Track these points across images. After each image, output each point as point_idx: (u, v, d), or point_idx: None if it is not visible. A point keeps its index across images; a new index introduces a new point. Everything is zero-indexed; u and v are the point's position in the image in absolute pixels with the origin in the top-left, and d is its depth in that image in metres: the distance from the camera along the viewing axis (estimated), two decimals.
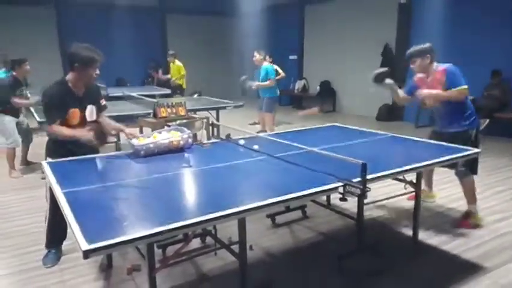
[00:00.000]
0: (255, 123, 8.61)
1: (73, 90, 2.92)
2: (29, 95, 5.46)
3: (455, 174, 3.58)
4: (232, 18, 13.25)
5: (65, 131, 2.88)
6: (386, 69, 3.55)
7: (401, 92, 3.74)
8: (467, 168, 3.49)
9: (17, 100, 5.18)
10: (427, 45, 3.48)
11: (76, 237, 1.61)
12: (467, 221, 3.60)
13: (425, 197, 4.01)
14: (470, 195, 3.61)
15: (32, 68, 5.43)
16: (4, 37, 10.27)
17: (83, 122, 3.00)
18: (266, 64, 6.75)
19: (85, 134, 2.87)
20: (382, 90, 3.65)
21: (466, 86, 3.31)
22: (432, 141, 3.41)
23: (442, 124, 3.58)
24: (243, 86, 6.93)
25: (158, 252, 2.95)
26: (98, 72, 2.93)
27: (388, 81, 3.55)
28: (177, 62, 9.41)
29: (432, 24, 8.13)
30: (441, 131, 3.57)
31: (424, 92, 3.45)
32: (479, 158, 3.44)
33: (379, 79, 3.53)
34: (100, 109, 3.17)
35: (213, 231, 2.82)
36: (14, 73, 5.18)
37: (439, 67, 3.44)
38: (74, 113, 2.93)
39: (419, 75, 3.58)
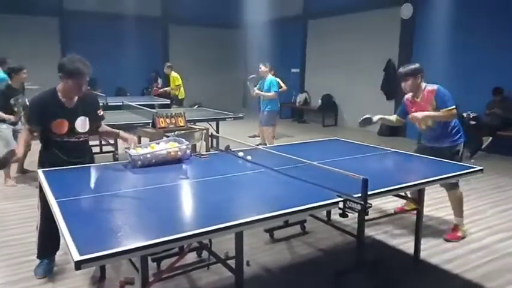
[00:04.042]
0: (255, 136, 8.58)
1: (62, 100, 2.87)
2: (27, 102, 5.30)
3: (440, 185, 3.58)
4: (235, 30, 13.31)
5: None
6: (368, 116, 3.72)
7: (393, 117, 3.92)
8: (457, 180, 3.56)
9: None
10: (417, 65, 3.62)
11: (68, 247, 1.58)
12: (455, 233, 3.66)
13: (406, 205, 4.01)
14: (458, 208, 3.66)
15: (34, 76, 5.36)
16: (7, 45, 10.27)
17: (72, 133, 2.93)
18: (271, 77, 6.76)
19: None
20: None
21: (454, 107, 3.44)
22: (434, 158, 3.34)
23: (430, 139, 3.68)
24: (249, 85, 6.93)
25: (152, 265, 2.88)
26: (85, 85, 2.87)
27: (376, 118, 3.72)
28: (173, 73, 9.65)
29: (435, 40, 8.10)
30: (430, 145, 3.66)
31: (415, 114, 3.52)
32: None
33: (367, 122, 3.72)
34: (97, 120, 3.13)
35: (209, 245, 2.76)
36: (9, 82, 5.03)
37: (428, 87, 3.56)
38: (61, 123, 2.86)
39: (409, 95, 3.71)
